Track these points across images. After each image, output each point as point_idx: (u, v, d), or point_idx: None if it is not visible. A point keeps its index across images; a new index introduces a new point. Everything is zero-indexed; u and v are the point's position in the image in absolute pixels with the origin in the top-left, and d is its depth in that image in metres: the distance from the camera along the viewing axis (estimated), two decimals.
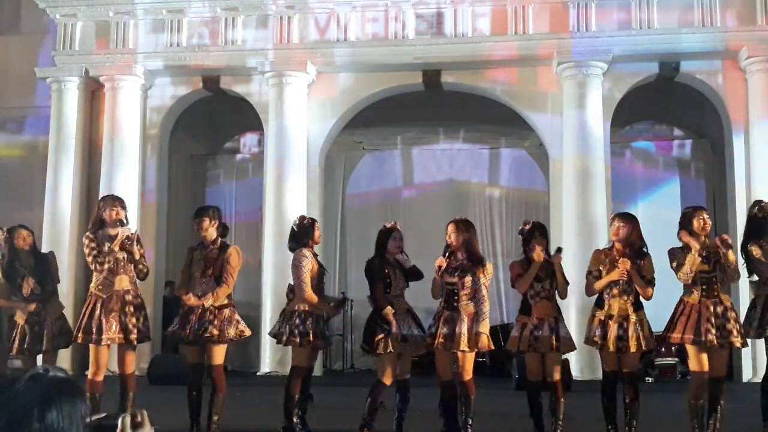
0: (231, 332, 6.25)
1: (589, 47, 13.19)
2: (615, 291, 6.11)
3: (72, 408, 1.68)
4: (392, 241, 6.35)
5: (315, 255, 6.65)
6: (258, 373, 13.25)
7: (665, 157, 15.91)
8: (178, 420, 6.44)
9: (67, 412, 1.66)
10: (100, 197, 7.33)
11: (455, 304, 6.11)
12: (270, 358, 12.93)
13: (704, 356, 5.99)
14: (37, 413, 1.63)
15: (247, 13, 13.96)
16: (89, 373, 6.31)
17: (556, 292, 6.36)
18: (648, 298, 6.15)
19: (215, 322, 6.19)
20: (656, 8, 13.15)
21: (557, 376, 6.26)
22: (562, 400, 6.22)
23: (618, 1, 13.30)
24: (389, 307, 6.11)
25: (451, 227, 6.24)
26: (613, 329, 6.05)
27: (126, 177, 13.68)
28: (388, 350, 6.05)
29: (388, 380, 6.16)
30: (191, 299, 6.18)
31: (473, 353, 6.10)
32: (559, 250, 6.37)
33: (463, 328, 6.02)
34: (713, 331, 5.90)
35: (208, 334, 6.16)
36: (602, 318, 6.12)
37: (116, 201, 6.38)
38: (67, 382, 1.72)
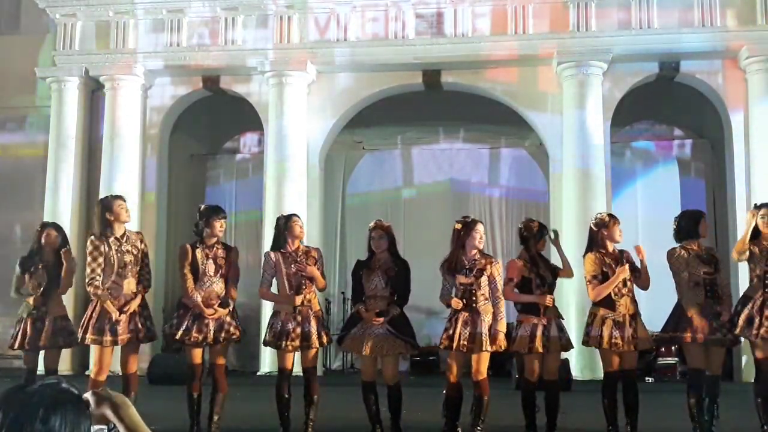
0: (240, 331, 6.41)
1: (589, 47, 13.20)
2: (624, 291, 6.15)
3: (76, 420, 1.70)
4: (372, 241, 6.35)
5: (285, 254, 6.41)
6: (258, 373, 13.25)
7: (665, 157, 15.90)
8: (178, 420, 6.45)
9: (70, 422, 1.68)
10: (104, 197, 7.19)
11: (474, 304, 6.11)
12: (270, 358, 12.91)
13: (702, 354, 6.07)
14: (42, 414, 1.65)
15: (247, 13, 13.96)
16: (92, 373, 6.32)
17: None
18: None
19: (234, 323, 6.30)
20: (656, 8, 13.16)
21: (557, 375, 6.32)
22: (559, 398, 6.29)
23: (618, 1, 13.30)
24: (358, 307, 6.23)
25: (482, 228, 6.26)
26: (626, 329, 6.10)
27: (126, 177, 13.68)
28: (345, 349, 6.26)
29: (364, 377, 6.29)
30: (219, 312, 6.21)
31: (488, 353, 6.12)
32: (555, 234, 6.52)
33: (484, 328, 6.05)
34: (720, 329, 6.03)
35: (233, 336, 6.29)
36: (618, 319, 6.13)
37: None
38: (78, 397, 1.75)
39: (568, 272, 6.49)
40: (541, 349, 6.17)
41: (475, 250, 6.20)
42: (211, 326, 6.19)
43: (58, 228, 7.25)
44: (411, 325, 6.37)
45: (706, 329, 5.98)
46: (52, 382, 1.75)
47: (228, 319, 6.28)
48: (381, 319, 6.17)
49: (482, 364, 6.13)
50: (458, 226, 6.24)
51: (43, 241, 7.09)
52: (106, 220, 6.23)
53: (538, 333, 6.19)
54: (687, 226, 6.24)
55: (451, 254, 6.23)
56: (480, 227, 6.26)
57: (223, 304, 6.26)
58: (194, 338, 6.20)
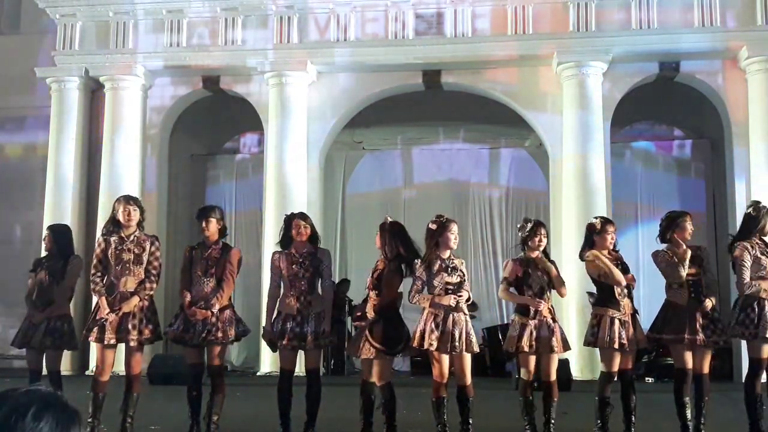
0: (232, 333, 6.30)
1: (589, 47, 13.21)
2: (626, 291, 6.18)
3: (66, 423, 1.66)
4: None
5: (290, 254, 6.37)
6: (258, 373, 13.26)
7: (665, 157, 15.91)
8: (178, 420, 6.45)
9: (61, 428, 1.65)
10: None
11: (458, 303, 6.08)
12: (270, 358, 12.91)
13: (689, 355, 6.11)
14: (35, 411, 1.63)
15: (247, 13, 13.96)
16: (94, 373, 6.31)
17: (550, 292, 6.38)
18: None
19: (219, 324, 6.22)
20: (656, 8, 13.17)
21: (553, 376, 6.29)
22: (556, 400, 6.27)
23: (618, 1, 13.31)
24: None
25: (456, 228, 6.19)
26: (630, 329, 6.12)
27: (126, 177, 13.68)
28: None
29: (366, 376, 6.12)
30: (199, 313, 6.17)
31: (468, 355, 6.07)
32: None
33: (456, 329, 5.99)
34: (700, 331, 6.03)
35: (212, 337, 6.19)
36: (625, 320, 6.15)
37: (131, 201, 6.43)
38: (73, 410, 1.70)
39: (559, 284, 6.37)
40: (527, 349, 6.16)
41: (449, 251, 6.13)
42: (198, 327, 6.19)
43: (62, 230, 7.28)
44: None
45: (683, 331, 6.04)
46: (37, 387, 1.72)
47: (213, 320, 6.22)
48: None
49: (465, 365, 6.07)
50: (433, 226, 6.15)
51: (47, 243, 7.13)
52: (112, 218, 6.29)
53: (526, 333, 6.18)
54: (664, 228, 6.27)
55: (429, 253, 6.10)
56: (454, 227, 6.20)
57: (206, 306, 6.22)
58: (180, 337, 6.23)
